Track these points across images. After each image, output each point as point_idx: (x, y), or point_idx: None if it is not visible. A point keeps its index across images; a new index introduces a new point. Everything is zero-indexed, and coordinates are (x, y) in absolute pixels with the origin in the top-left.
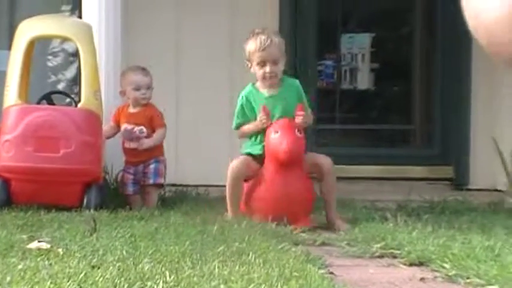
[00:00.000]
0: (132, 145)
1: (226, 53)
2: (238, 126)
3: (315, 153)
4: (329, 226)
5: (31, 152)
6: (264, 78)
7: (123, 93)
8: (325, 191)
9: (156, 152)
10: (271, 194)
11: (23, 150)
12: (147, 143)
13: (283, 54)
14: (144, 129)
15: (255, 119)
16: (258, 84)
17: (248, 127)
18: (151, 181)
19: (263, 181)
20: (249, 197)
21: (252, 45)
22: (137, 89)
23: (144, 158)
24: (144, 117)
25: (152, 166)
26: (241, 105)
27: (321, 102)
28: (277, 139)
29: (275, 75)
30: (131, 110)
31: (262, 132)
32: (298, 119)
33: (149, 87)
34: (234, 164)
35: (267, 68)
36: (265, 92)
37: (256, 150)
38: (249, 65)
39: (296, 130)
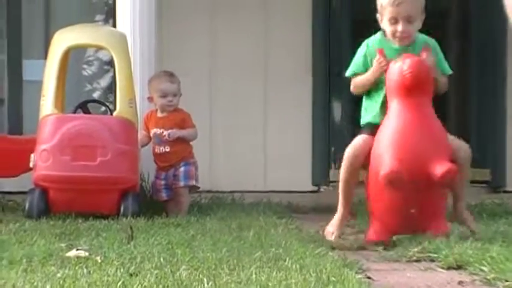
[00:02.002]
0: (162, 149)
1: (261, 59)
2: (354, 74)
3: (452, 137)
4: (456, 220)
5: (68, 161)
6: (394, 36)
7: (151, 99)
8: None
9: (185, 154)
10: (398, 135)
11: (60, 159)
12: (176, 133)
13: (420, 12)
14: (175, 131)
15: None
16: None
17: (365, 75)
18: (182, 183)
19: (386, 127)
20: (370, 164)
21: None
22: (164, 96)
23: (173, 161)
24: (173, 121)
25: (182, 169)
26: (364, 54)
27: (356, 105)
28: (399, 65)
29: (408, 35)
30: (159, 114)
31: (383, 99)
32: (423, 56)
33: (176, 94)
34: (350, 149)
35: (399, 27)
36: (395, 43)
37: (378, 119)
38: (380, 19)
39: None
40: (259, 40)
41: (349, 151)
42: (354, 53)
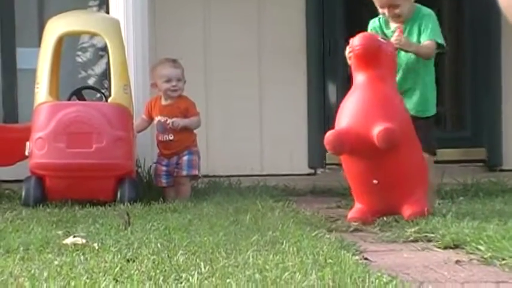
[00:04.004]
0: (166, 137)
1: (255, 43)
2: None
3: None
4: None
5: (63, 148)
6: (389, 16)
7: (154, 85)
8: None
9: (189, 143)
10: (346, 106)
11: (56, 146)
12: (180, 122)
13: None
14: (178, 120)
15: None
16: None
17: None
18: (184, 172)
19: (344, 101)
20: None
21: None
22: (168, 81)
23: (177, 149)
24: (177, 109)
25: (186, 158)
26: (375, 30)
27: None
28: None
29: (398, 18)
30: (163, 102)
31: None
32: (393, 38)
33: (180, 79)
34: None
35: (386, 13)
36: (392, 25)
37: None
38: None
39: (380, 37)
40: (252, 23)
41: None
42: (347, 33)
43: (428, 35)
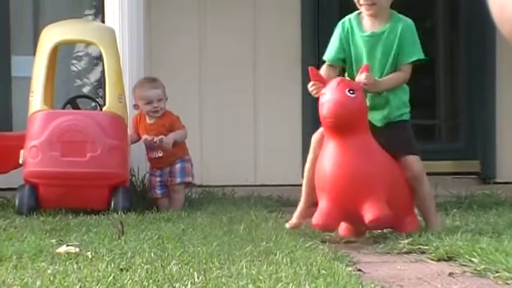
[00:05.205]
0: (156, 154)
1: (250, 53)
2: (331, 61)
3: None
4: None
5: (58, 156)
6: (360, 5)
7: (136, 106)
8: (418, 201)
9: (180, 152)
10: (327, 179)
11: (50, 155)
12: (167, 140)
13: None
14: (166, 139)
15: (351, 57)
16: (363, 15)
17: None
18: (178, 180)
19: (320, 162)
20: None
21: None
22: (149, 102)
23: (169, 161)
24: (162, 127)
25: (178, 165)
26: (340, 36)
27: None
28: (322, 103)
29: (372, 3)
30: (148, 121)
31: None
32: (359, 78)
33: (161, 99)
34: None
35: None
36: (366, 28)
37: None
38: None
39: (348, 90)
40: (248, 32)
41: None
42: None
43: (412, 56)
